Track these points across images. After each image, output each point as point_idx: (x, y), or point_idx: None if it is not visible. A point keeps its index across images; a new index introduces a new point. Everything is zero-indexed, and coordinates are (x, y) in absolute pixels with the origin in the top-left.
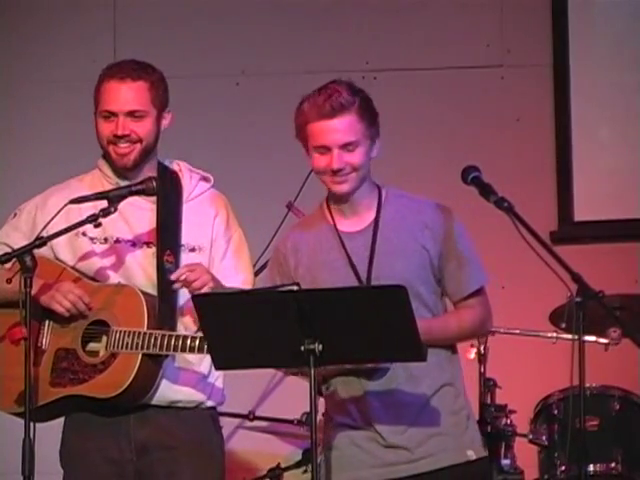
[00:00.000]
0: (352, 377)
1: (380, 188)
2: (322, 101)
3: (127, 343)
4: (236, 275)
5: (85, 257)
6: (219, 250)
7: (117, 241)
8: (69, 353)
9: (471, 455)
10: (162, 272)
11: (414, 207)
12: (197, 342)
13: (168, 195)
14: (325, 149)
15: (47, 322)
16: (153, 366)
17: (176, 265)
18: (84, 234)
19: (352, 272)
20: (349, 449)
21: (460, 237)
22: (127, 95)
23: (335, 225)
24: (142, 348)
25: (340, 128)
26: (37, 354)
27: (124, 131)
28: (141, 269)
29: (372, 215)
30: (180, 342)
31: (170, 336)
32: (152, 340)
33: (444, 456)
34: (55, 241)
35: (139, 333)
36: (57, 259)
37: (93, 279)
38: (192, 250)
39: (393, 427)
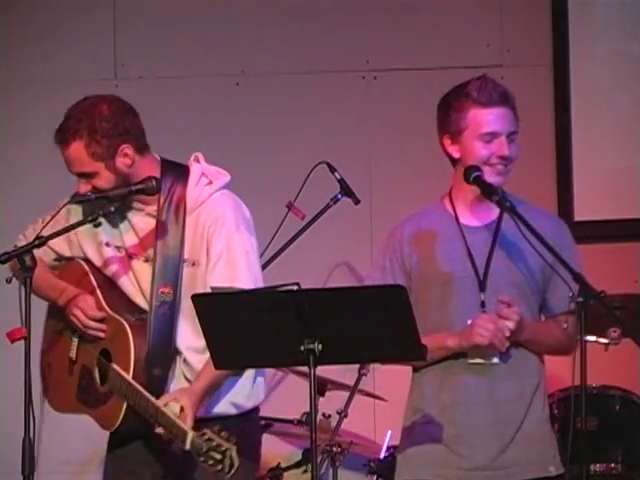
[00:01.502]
0: (452, 367)
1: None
2: (492, 88)
3: (117, 387)
4: (225, 284)
5: (105, 265)
6: (210, 261)
7: (130, 255)
8: (88, 373)
9: (552, 471)
10: (156, 306)
11: (535, 215)
12: (180, 433)
13: (168, 213)
14: (493, 136)
15: (76, 335)
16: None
17: (174, 295)
18: (107, 244)
19: (470, 263)
20: (437, 447)
21: (574, 252)
22: (69, 160)
23: (457, 217)
24: (128, 400)
25: (508, 117)
26: (70, 363)
27: (85, 191)
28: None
29: (495, 213)
30: (164, 421)
31: (157, 409)
32: (138, 399)
33: (528, 469)
34: (83, 245)
35: (128, 383)
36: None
37: (110, 282)
38: (192, 265)
39: (487, 426)
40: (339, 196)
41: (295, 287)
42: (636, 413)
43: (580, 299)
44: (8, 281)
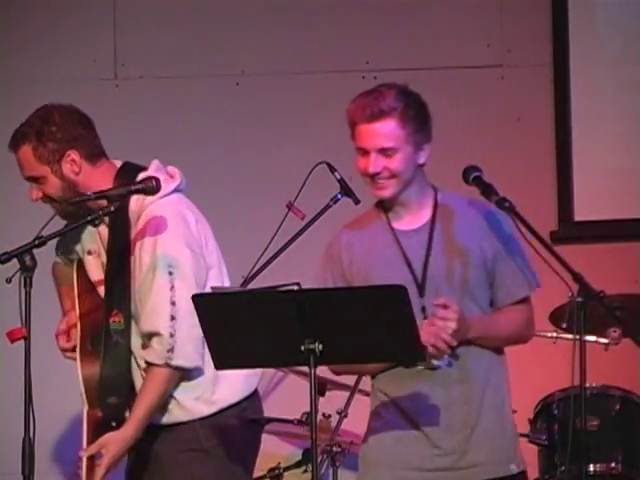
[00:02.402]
0: (403, 374)
1: (436, 189)
2: (366, 104)
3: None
4: (144, 298)
5: (89, 271)
6: (140, 274)
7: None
8: None
9: (513, 469)
10: (108, 335)
11: (471, 208)
12: None
13: (116, 231)
14: (364, 151)
15: None
16: None
17: (126, 322)
18: (89, 253)
19: (407, 268)
20: (395, 448)
21: (515, 243)
22: (19, 164)
23: (390, 223)
24: None
25: (379, 133)
26: None
27: (37, 200)
28: None
29: (428, 214)
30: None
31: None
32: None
33: (488, 468)
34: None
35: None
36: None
37: (92, 290)
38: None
39: (443, 429)
40: (339, 196)
41: (295, 287)
42: (636, 413)
43: (579, 299)
44: (8, 281)
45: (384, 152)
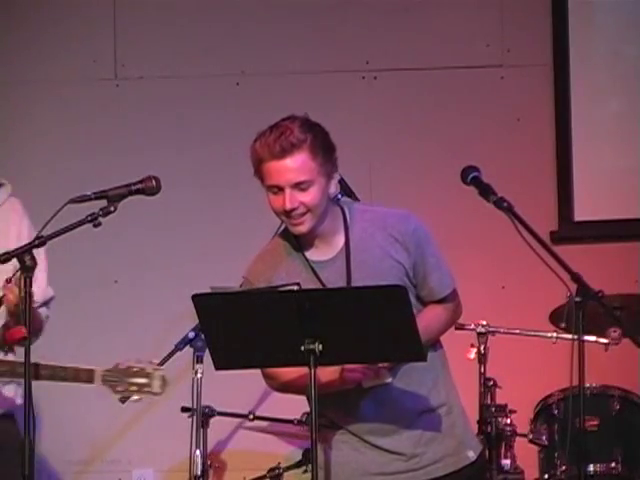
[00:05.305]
0: (349, 396)
1: (343, 209)
2: (273, 141)
3: None
4: None
5: None
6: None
7: None
8: None
9: (472, 456)
10: None
11: (380, 222)
12: None
13: None
14: (278, 189)
15: None
16: None
17: None
18: None
19: None
20: (354, 456)
21: (427, 244)
22: None
23: (305, 255)
24: None
25: (292, 167)
26: None
27: None
28: None
29: (341, 240)
30: None
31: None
32: None
33: (449, 461)
34: None
35: None
36: None
37: None
38: None
39: (396, 439)
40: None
41: (295, 287)
42: (636, 413)
43: (578, 299)
44: (8, 281)
45: (298, 186)
